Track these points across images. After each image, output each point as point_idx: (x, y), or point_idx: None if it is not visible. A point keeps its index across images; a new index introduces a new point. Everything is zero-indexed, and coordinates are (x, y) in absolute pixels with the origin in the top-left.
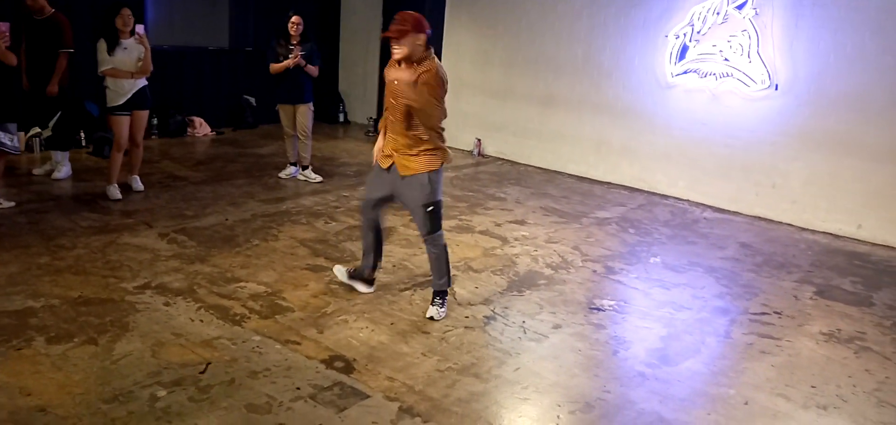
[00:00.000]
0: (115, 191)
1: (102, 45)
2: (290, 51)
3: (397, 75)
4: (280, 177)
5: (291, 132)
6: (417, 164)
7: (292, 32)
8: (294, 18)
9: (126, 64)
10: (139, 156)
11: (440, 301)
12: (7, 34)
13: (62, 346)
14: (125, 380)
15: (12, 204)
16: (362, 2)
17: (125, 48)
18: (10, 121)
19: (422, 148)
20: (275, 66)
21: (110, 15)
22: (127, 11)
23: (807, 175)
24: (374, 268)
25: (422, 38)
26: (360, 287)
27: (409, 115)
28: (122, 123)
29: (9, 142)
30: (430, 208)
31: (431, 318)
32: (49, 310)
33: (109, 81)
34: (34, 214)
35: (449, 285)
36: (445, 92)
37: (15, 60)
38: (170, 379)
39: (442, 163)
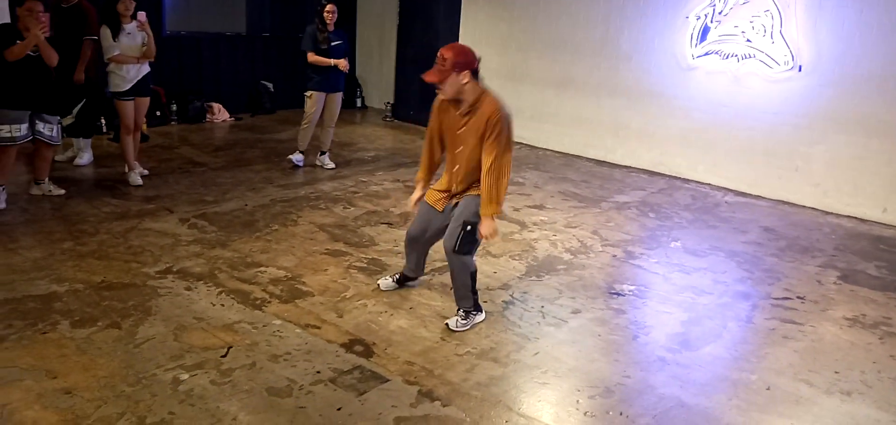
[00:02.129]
0: (135, 177)
1: (107, 32)
2: (330, 39)
3: (457, 123)
4: (291, 160)
5: (314, 120)
6: (475, 190)
7: (328, 21)
8: (329, 7)
9: (131, 49)
10: (137, 142)
11: (463, 313)
12: (47, 24)
13: (86, 330)
14: (148, 364)
15: (62, 191)
16: None
17: (129, 33)
18: (50, 113)
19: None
20: (317, 59)
21: (112, 1)
22: None
23: (830, 158)
24: (418, 270)
25: (466, 76)
26: (410, 284)
27: (476, 167)
28: (129, 108)
29: (49, 134)
30: (469, 226)
31: (447, 326)
32: (73, 295)
33: (114, 67)
34: (57, 200)
35: (474, 309)
36: (509, 130)
37: (56, 60)
38: (192, 363)
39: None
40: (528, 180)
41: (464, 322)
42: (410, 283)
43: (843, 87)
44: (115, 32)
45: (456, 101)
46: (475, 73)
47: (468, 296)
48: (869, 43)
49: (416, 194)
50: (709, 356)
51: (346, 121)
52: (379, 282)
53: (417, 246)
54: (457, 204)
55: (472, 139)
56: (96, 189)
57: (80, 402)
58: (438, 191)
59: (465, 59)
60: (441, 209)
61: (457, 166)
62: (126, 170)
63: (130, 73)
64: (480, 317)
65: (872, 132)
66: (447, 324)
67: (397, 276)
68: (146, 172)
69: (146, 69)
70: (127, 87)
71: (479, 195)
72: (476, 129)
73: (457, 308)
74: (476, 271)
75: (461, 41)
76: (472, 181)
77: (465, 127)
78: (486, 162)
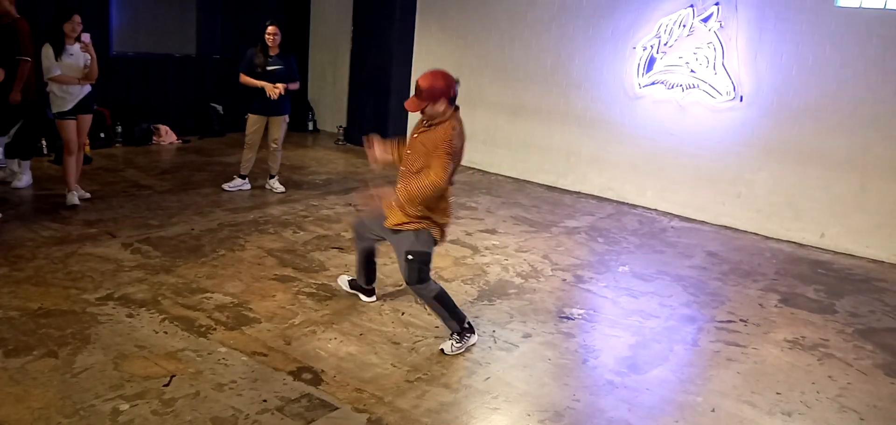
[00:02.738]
0: (73, 197)
1: (49, 51)
2: (268, 63)
3: (418, 134)
4: (224, 189)
5: (253, 143)
6: (407, 219)
7: (270, 44)
8: (270, 29)
9: (72, 70)
10: (80, 162)
11: (457, 337)
12: None
13: (21, 359)
14: (86, 394)
15: None
16: (333, 9)
17: (71, 54)
18: None
19: (418, 207)
20: (246, 80)
21: (59, 20)
22: (77, 17)
23: (771, 184)
24: (370, 281)
25: (442, 104)
26: (362, 297)
27: (417, 173)
28: (71, 128)
29: None
30: (411, 256)
31: (442, 351)
32: (7, 323)
33: (56, 87)
34: None
35: (462, 326)
36: (452, 152)
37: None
38: (133, 393)
39: (427, 229)
40: (480, 205)
41: (458, 345)
42: (365, 298)
43: (782, 116)
44: (58, 52)
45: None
46: (452, 100)
47: (451, 319)
48: (805, 75)
49: (382, 149)
50: (656, 379)
51: (298, 145)
52: (339, 278)
53: (360, 239)
54: (397, 230)
55: (419, 149)
56: (35, 213)
57: None
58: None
59: (441, 89)
60: (387, 224)
61: (403, 167)
62: (66, 191)
63: (73, 92)
64: (473, 338)
65: (810, 160)
66: (442, 349)
67: (350, 280)
68: (88, 196)
69: (88, 88)
70: (69, 107)
71: (406, 230)
72: (428, 141)
73: (452, 335)
74: (443, 292)
75: (414, 65)
76: (407, 196)
77: (419, 137)
78: (424, 170)
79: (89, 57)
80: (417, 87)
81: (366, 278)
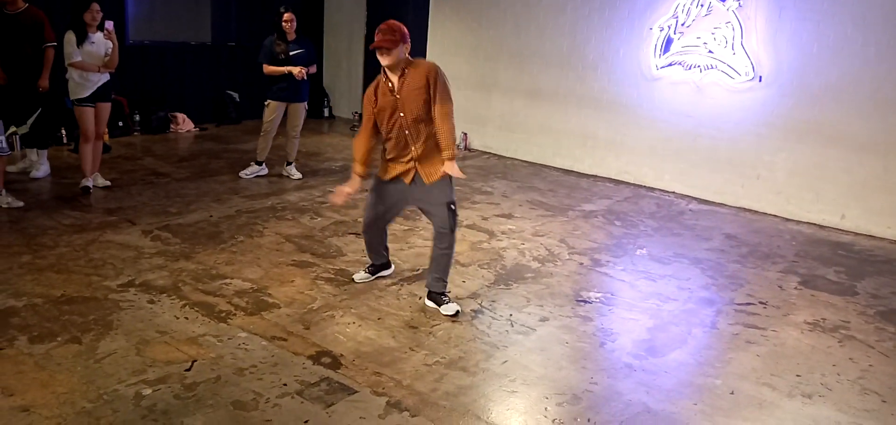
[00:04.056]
0: (89, 183)
1: (71, 38)
2: (289, 49)
3: (391, 94)
4: (241, 176)
5: (271, 130)
6: (443, 168)
7: (287, 30)
8: (286, 16)
9: (94, 57)
10: (99, 150)
11: (447, 298)
12: None
13: (45, 345)
14: (109, 379)
15: (21, 204)
16: None
17: (93, 42)
18: None
19: (441, 150)
20: (271, 69)
21: (79, 9)
22: (96, 6)
23: (791, 166)
24: (386, 253)
25: (407, 48)
26: (384, 273)
27: (424, 123)
28: (89, 115)
29: None
30: (454, 205)
31: (457, 313)
32: (31, 310)
33: (75, 73)
34: (15, 212)
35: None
36: (443, 75)
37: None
38: (155, 377)
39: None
40: (496, 189)
41: (452, 302)
42: (385, 273)
43: (802, 97)
44: (81, 40)
45: (386, 77)
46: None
47: (448, 272)
48: (826, 55)
49: (350, 188)
50: (674, 362)
51: (314, 131)
52: (354, 276)
53: (374, 231)
54: (421, 182)
55: (412, 96)
56: (56, 201)
57: (38, 420)
58: (404, 164)
59: (407, 36)
60: (409, 182)
61: (407, 131)
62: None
63: (92, 79)
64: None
65: (830, 141)
66: (450, 315)
67: (370, 268)
68: (108, 184)
69: (107, 77)
70: (88, 93)
71: (444, 176)
72: (415, 86)
73: (441, 295)
74: None
75: (429, 49)
76: (427, 136)
77: (402, 90)
78: (438, 110)
79: (111, 45)
80: (388, 28)
81: (385, 253)
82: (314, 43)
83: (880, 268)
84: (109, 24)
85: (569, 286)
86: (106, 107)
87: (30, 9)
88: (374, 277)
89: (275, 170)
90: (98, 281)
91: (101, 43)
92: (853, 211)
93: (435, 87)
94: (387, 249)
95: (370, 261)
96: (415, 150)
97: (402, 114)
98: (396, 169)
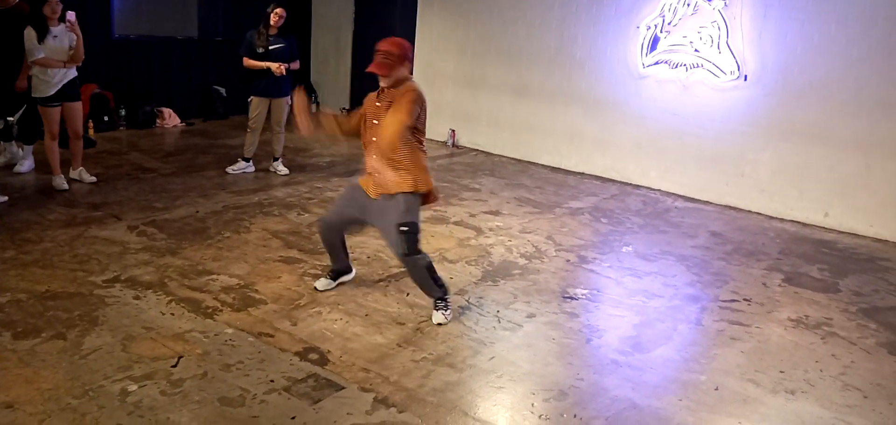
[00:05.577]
0: (61, 182)
1: (31, 34)
2: (270, 43)
3: (377, 103)
4: (228, 172)
5: (256, 126)
6: (395, 185)
7: (273, 23)
8: (278, 11)
9: (58, 52)
10: (80, 147)
11: (443, 305)
12: None
13: (29, 342)
14: (95, 375)
15: (5, 199)
16: None
17: (55, 36)
18: None
19: (401, 170)
20: (249, 63)
21: (38, 2)
22: None
23: (775, 164)
24: (347, 256)
25: (407, 67)
26: (345, 278)
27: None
28: (54, 114)
29: None
30: (406, 228)
31: (439, 324)
32: (15, 305)
33: (38, 71)
34: None
35: (445, 294)
36: (418, 100)
37: None
38: (141, 374)
39: (415, 190)
40: (484, 186)
41: (448, 311)
42: (345, 278)
43: (786, 96)
44: (42, 35)
45: (384, 90)
46: (411, 65)
47: (434, 288)
48: (810, 54)
49: (299, 101)
50: (660, 358)
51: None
52: (315, 284)
53: (332, 231)
54: (381, 197)
55: (387, 111)
56: (41, 196)
57: (23, 416)
58: (369, 176)
59: (407, 54)
60: (372, 196)
61: (375, 138)
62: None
63: (55, 78)
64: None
65: (814, 139)
66: (438, 322)
67: (331, 273)
68: (94, 179)
69: (73, 73)
70: (52, 93)
71: (397, 195)
72: (393, 101)
73: (439, 300)
74: (432, 262)
75: (417, 47)
76: (395, 154)
77: (385, 103)
78: (390, 114)
79: (75, 37)
80: (385, 52)
81: (345, 257)
82: (300, 39)
83: (863, 266)
84: (71, 16)
85: (556, 283)
86: (76, 107)
87: (19, 5)
88: (336, 283)
89: (262, 166)
90: (83, 276)
91: (64, 35)
92: (836, 208)
93: (401, 99)
94: (347, 253)
95: (331, 267)
96: (378, 163)
97: (378, 125)
98: (366, 179)
